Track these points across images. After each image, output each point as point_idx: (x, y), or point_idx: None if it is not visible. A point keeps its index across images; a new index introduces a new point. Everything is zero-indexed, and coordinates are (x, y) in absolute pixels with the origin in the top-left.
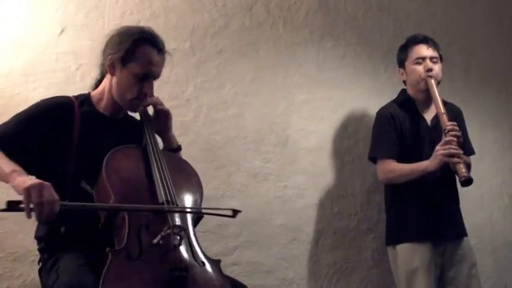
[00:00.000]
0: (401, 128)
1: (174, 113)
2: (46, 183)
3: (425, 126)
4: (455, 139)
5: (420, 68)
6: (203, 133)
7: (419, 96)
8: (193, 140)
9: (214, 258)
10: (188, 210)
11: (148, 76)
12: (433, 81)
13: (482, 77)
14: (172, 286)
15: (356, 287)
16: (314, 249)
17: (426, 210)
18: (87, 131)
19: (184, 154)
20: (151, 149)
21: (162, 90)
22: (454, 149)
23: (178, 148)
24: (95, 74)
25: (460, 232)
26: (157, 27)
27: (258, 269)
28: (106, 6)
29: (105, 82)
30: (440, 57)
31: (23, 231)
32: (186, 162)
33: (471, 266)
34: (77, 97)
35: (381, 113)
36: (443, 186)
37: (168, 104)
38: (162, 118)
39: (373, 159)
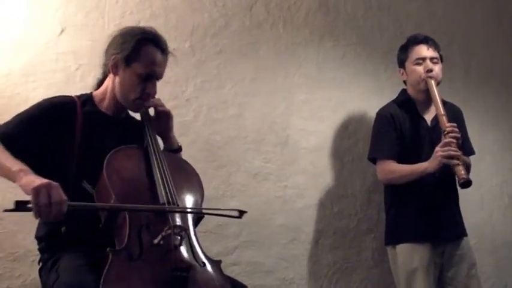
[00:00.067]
0: (401, 128)
1: (174, 113)
2: (54, 183)
3: (425, 126)
4: (454, 141)
5: (420, 69)
6: (203, 133)
7: (419, 97)
8: (193, 140)
9: (215, 258)
10: (194, 211)
11: (151, 76)
12: (433, 82)
13: (482, 77)
14: (173, 286)
15: (356, 287)
16: (314, 249)
17: (426, 211)
18: (90, 130)
19: (185, 154)
20: (152, 150)
21: (162, 90)
22: (454, 150)
23: (179, 149)
24: (95, 74)
25: (459, 233)
26: (157, 27)
27: (258, 269)
28: (106, 6)
29: (108, 82)
30: (441, 58)
31: (23, 231)
32: (186, 163)
33: (470, 266)
34: (79, 97)
35: (380, 113)
36: (443, 187)
37: (168, 104)
38: (163, 119)
39: (373, 159)
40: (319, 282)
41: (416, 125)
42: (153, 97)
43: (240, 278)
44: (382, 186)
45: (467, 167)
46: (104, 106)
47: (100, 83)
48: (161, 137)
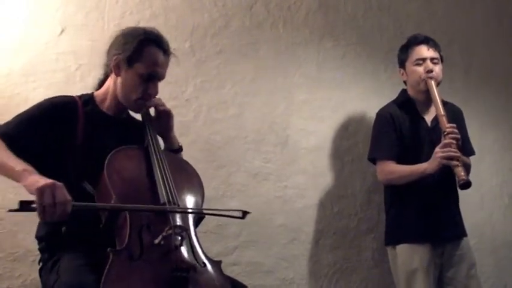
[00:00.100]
0: (401, 128)
1: (174, 113)
2: (59, 183)
3: (425, 127)
4: (454, 142)
5: (420, 69)
6: (203, 133)
7: (420, 97)
8: (193, 140)
9: (215, 258)
10: (197, 211)
11: (153, 77)
12: (433, 83)
13: (482, 77)
14: (174, 286)
15: (356, 287)
16: (314, 249)
17: (425, 212)
18: (91, 131)
19: (185, 154)
20: (153, 150)
21: (162, 90)
22: (453, 151)
23: (180, 149)
24: (95, 74)
25: (459, 233)
26: (157, 27)
27: (258, 269)
28: (106, 6)
29: (109, 82)
30: (441, 58)
31: (23, 231)
32: (187, 163)
33: (470, 266)
34: (80, 97)
35: (380, 114)
36: (443, 187)
37: (168, 104)
38: (164, 118)
39: (373, 159)
40: (319, 282)
41: (416, 126)
42: (154, 98)
43: (240, 278)
44: (382, 186)
45: (467, 168)
46: (105, 106)
47: (101, 83)
48: (162, 137)
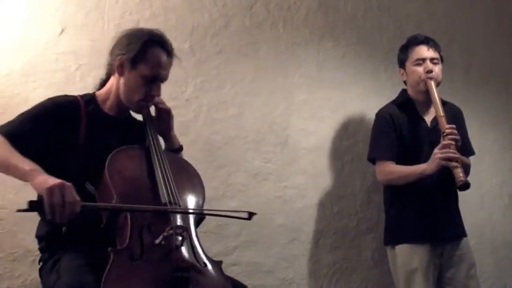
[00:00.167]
0: (401, 129)
1: (174, 113)
2: (67, 183)
3: (424, 127)
4: (453, 143)
5: (420, 69)
6: (203, 133)
7: (419, 97)
8: (193, 140)
9: (215, 258)
10: (206, 213)
11: (156, 78)
12: (432, 83)
13: (482, 77)
14: (174, 286)
15: (356, 287)
16: (314, 249)
17: (425, 212)
18: (93, 130)
19: (185, 154)
20: (154, 150)
21: (163, 90)
22: (452, 153)
23: (180, 148)
24: (95, 74)
25: (459, 233)
26: (157, 27)
27: (258, 269)
28: (106, 6)
29: (112, 82)
30: (441, 58)
31: (23, 231)
32: (188, 163)
33: (470, 267)
34: (82, 96)
35: (380, 114)
36: (442, 188)
37: (168, 104)
38: (164, 117)
39: (372, 160)
40: (319, 282)
41: (416, 126)
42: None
43: (240, 278)
44: (381, 186)
45: (467, 168)
46: (107, 106)
47: (103, 83)
48: (162, 137)
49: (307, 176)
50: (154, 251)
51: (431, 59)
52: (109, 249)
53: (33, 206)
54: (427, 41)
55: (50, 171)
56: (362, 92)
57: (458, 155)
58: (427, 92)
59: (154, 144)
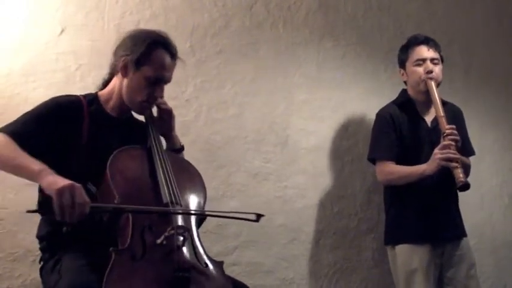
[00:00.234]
0: (401, 129)
1: (174, 113)
2: (77, 184)
3: (425, 127)
4: (453, 143)
5: (420, 70)
6: (203, 133)
7: (420, 98)
8: (194, 140)
9: (216, 258)
10: (213, 214)
11: (159, 80)
12: (433, 83)
13: (482, 77)
14: (176, 287)
15: (356, 287)
16: (314, 249)
17: (425, 212)
18: (96, 131)
19: (185, 154)
20: (155, 150)
21: None
22: (452, 153)
23: (181, 148)
24: (95, 74)
25: (459, 233)
26: (157, 27)
27: (258, 269)
28: (106, 7)
29: (115, 83)
30: (441, 58)
31: (23, 231)
32: (189, 163)
33: (470, 267)
34: (84, 96)
35: (380, 114)
36: (442, 188)
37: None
38: (166, 117)
39: (372, 160)
40: (319, 282)
41: (416, 126)
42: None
43: (240, 278)
44: (382, 186)
45: (467, 169)
46: (109, 107)
47: (106, 83)
48: (164, 137)
49: (307, 176)
50: (155, 251)
51: (432, 59)
52: (110, 249)
53: (43, 207)
54: (427, 41)
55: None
56: (362, 92)
57: (458, 156)
58: (427, 92)
59: (156, 145)
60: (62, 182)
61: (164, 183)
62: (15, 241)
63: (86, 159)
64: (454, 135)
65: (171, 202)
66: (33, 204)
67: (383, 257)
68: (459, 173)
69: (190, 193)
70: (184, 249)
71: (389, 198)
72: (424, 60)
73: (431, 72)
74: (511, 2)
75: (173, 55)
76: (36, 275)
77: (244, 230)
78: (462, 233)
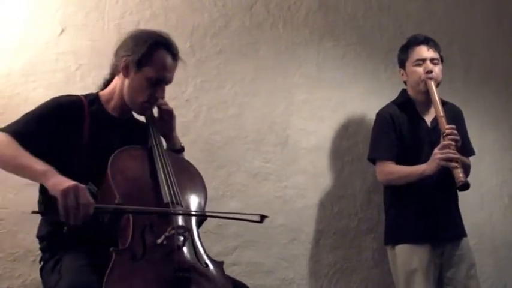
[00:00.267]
0: (401, 129)
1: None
2: (81, 185)
3: (425, 127)
4: (453, 143)
5: (420, 70)
6: (203, 133)
7: (419, 98)
8: (194, 140)
9: (216, 258)
10: (215, 215)
11: (161, 81)
12: (432, 83)
13: (482, 77)
14: (176, 287)
15: (356, 287)
16: (314, 249)
17: (425, 212)
18: (97, 131)
19: (185, 154)
20: (156, 150)
21: None
22: (452, 153)
23: (182, 149)
24: (95, 74)
25: (459, 233)
26: (157, 27)
27: (258, 269)
28: (106, 7)
29: (116, 83)
30: (441, 58)
31: (23, 231)
32: (190, 164)
33: (470, 267)
34: (85, 96)
35: (380, 114)
36: (442, 188)
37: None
38: (167, 118)
39: (372, 160)
40: (319, 282)
41: (416, 126)
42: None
43: (240, 278)
44: (382, 186)
45: (467, 169)
46: (110, 107)
47: (107, 83)
48: (164, 137)
49: (307, 176)
50: (156, 251)
51: (432, 59)
52: (111, 249)
53: (47, 208)
54: (427, 41)
55: None
56: (362, 92)
57: (458, 156)
58: (427, 92)
59: (156, 145)
60: (67, 182)
61: (165, 183)
62: (15, 241)
63: (87, 159)
64: (454, 135)
65: (172, 202)
66: (34, 204)
67: (383, 257)
68: (459, 173)
69: (190, 193)
70: (185, 249)
71: (389, 198)
72: (424, 60)
73: (431, 72)
74: (511, 2)
75: (175, 56)
76: (36, 275)
77: (244, 230)
78: (462, 233)
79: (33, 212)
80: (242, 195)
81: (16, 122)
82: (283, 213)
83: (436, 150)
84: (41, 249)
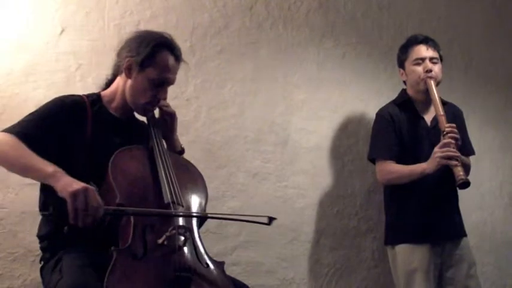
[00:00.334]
0: (401, 128)
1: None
2: (91, 187)
3: (424, 127)
4: (453, 141)
5: (419, 69)
6: (203, 133)
7: (419, 97)
8: (193, 140)
9: (215, 258)
10: (225, 217)
11: (163, 82)
12: (432, 82)
13: (482, 77)
14: (176, 286)
15: (356, 287)
16: (314, 249)
17: (425, 212)
18: (99, 131)
19: (185, 154)
20: (157, 150)
21: None
22: (452, 151)
23: (182, 151)
24: (95, 74)
25: (458, 233)
26: (158, 27)
27: (258, 269)
28: (106, 7)
29: (118, 83)
30: (441, 58)
31: (23, 231)
32: (190, 164)
33: (470, 266)
34: (87, 96)
35: (380, 114)
36: (442, 187)
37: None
38: (168, 120)
39: (372, 160)
40: (319, 282)
41: (416, 125)
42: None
43: (240, 278)
44: (382, 186)
45: (467, 168)
46: (113, 107)
47: (109, 83)
48: (165, 139)
49: (307, 176)
50: (156, 251)
51: (431, 59)
52: (111, 248)
53: (56, 210)
54: (426, 41)
55: None
56: (362, 92)
57: (458, 154)
58: (427, 92)
59: (158, 145)
60: (76, 184)
61: (166, 183)
62: (16, 241)
63: (89, 159)
64: (454, 133)
65: (173, 202)
66: (34, 204)
67: (383, 257)
68: (459, 171)
69: (191, 193)
70: (186, 249)
71: (389, 198)
72: (423, 59)
73: (430, 71)
74: (511, 2)
75: (177, 57)
76: (36, 275)
77: (244, 230)
78: (462, 232)
79: (43, 214)
80: (242, 195)
81: (21, 123)
82: (283, 213)
83: (436, 149)
84: (42, 248)
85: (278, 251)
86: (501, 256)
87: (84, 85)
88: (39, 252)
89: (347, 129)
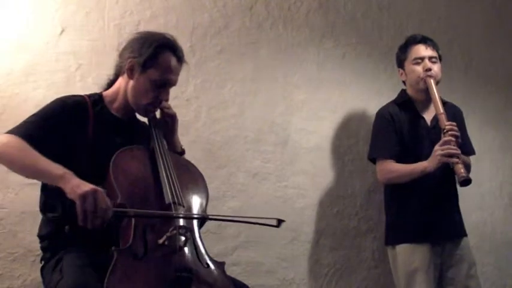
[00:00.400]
0: (401, 128)
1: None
2: (100, 189)
3: (425, 126)
4: (454, 139)
5: (419, 68)
6: (203, 133)
7: (419, 96)
8: (194, 140)
9: (216, 258)
10: (233, 219)
11: (165, 84)
12: (432, 81)
13: (482, 77)
14: (177, 286)
15: (356, 287)
16: (314, 249)
17: (425, 211)
18: (101, 131)
19: (185, 154)
20: (158, 150)
21: None
22: (453, 149)
23: (182, 152)
24: (95, 74)
25: (459, 233)
26: (158, 27)
27: (258, 269)
28: (106, 7)
29: (120, 84)
30: (440, 57)
31: (23, 231)
32: (191, 164)
33: (470, 266)
34: (89, 96)
35: (380, 113)
36: (443, 186)
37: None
38: (169, 121)
39: (373, 159)
40: (319, 282)
41: (416, 125)
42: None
43: (240, 278)
44: (382, 186)
45: (467, 167)
46: (114, 108)
47: (111, 83)
48: (166, 140)
49: (307, 176)
50: (157, 251)
51: (430, 58)
52: (112, 248)
53: (66, 212)
54: (425, 40)
55: None
56: (362, 92)
57: (459, 151)
58: (427, 91)
59: (159, 146)
60: (85, 186)
61: (167, 183)
62: (16, 241)
63: (91, 159)
64: (454, 131)
65: (174, 202)
66: (34, 204)
67: (383, 257)
68: (460, 168)
69: (192, 194)
70: (186, 249)
71: (390, 197)
72: (422, 58)
73: (430, 70)
74: (511, 2)
75: (180, 58)
76: (36, 275)
77: (244, 231)
78: (462, 232)
79: (53, 217)
80: (242, 195)
81: (24, 124)
82: (283, 213)
83: (436, 147)
84: (42, 248)
85: (278, 251)
86: (501, 256)
87: (84, 85)
88: (39, 252)
89: (347, 130)
